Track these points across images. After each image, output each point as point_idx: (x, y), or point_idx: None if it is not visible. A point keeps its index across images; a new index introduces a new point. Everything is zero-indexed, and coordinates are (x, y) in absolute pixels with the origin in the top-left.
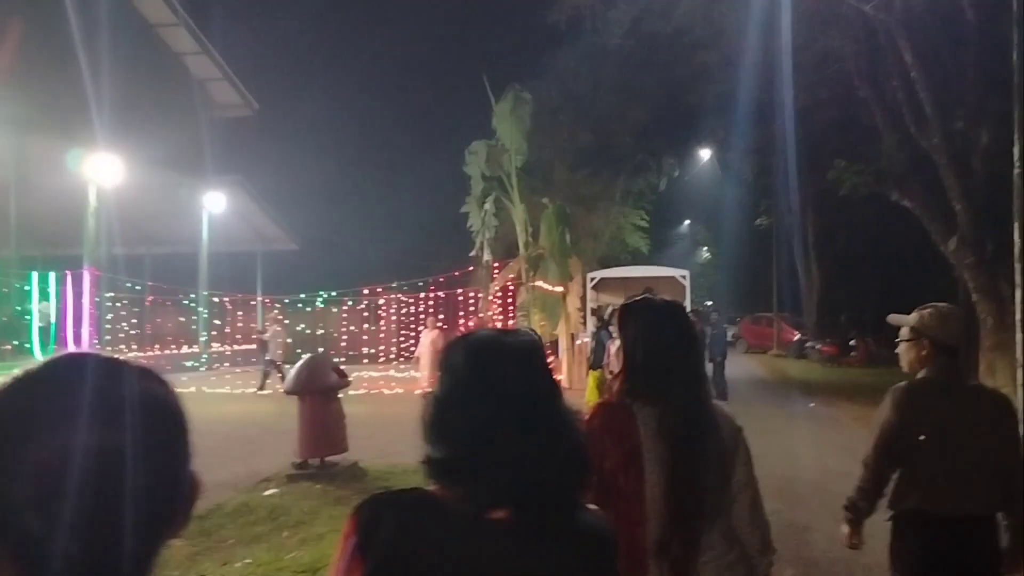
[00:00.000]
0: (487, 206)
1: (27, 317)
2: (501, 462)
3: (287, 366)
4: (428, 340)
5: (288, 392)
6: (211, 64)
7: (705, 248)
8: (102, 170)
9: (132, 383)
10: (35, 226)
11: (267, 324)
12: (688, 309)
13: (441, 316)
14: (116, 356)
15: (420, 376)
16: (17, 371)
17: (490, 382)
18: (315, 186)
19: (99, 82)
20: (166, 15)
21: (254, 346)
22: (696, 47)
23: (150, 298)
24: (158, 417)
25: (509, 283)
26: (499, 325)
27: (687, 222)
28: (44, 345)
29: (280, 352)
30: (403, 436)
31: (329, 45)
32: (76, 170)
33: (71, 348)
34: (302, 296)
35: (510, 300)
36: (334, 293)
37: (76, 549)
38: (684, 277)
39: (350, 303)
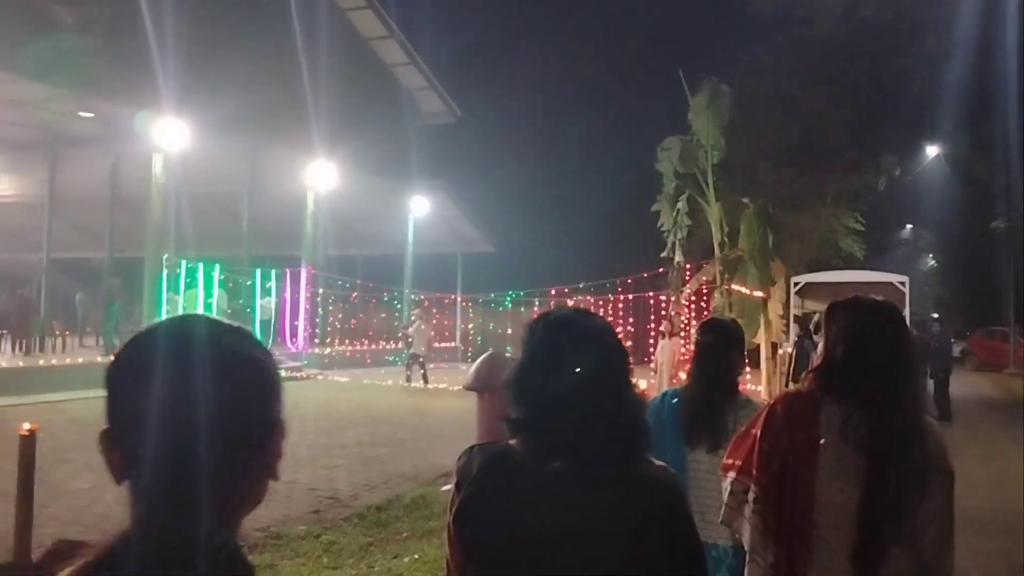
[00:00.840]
0: (680, 205)
1: (250, 311)
2: (561, 421)
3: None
4: (668, 348)
5: (468, 388)
6: (418, 74)
7: (930, 255)
8: (320, 177)
9: (226, 341)
10: (263, 228)
11: (412, 319)
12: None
13: (630, 320)
14: (219, 319)
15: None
16: (143, 328)
17: (559, 354)
18: (511, 189)
19: (318, 95)
20: (379, 29)
21: (450, 344)
22: (918, 32)
23: (354, 295)
24: (243, 368)
25: (703, 286)
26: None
27: (909, 226)
28: (265, 336)
29: (424, 348)
30: None
31: (524, 48)
32: (298, 177)
33: (288, 340)
34: (492, 296)
35: (704, 304)
36: (522, 293)
37: (165, 469)
38: (903, 284)
39: (538, 304)
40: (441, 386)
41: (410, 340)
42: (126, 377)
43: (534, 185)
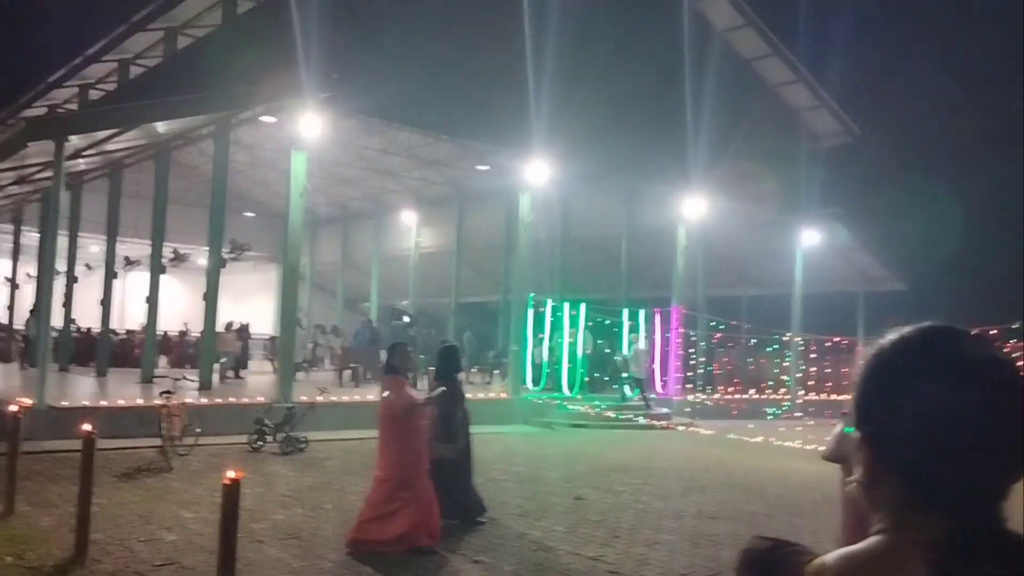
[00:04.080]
0: None
1: (610, 351)
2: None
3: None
4: None
5: (827, 458)
6: (807, 92)
7: None
8: (694, 210)
9: (979, 348)
10: (641, 270)
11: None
12: None
13: None
14: (962, 328)
15: None
16: (891, 335)
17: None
18: (923, 217)
19: (698, 124)
20: (761, 47)
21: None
22: None
23: (717, 336)
24: (1003, 377)
25: None
26: None
27: None
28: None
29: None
30: None
31: (925, 51)
32: (673, 213)
33: (656, 385)
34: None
35: None
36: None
37: (944, 475)
38: None
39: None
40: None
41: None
42: (891, 381)
43: (951, 211)
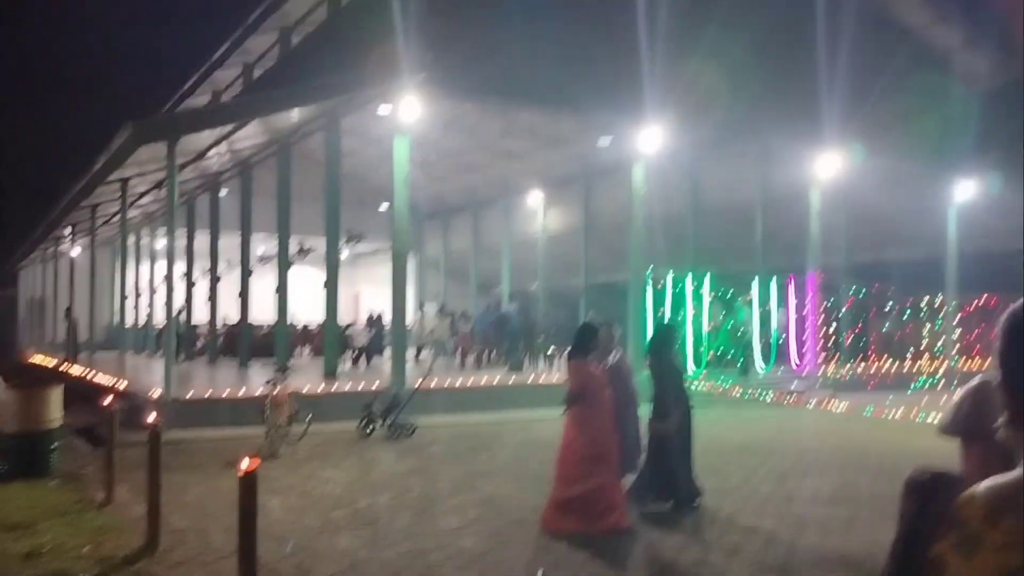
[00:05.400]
0: None
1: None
2: None
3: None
4: None
5: (945, 432)
6: (958, 29)
7: None
8: (826, 168)
9: None
10: (778, 236)
11: None
12: None
13: None
14: None
15: None
16: None
17: None
18: None
19: (834, 72)
20: None
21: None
22: None
23: (859, 303)
24: None
25: None
26: None
27: None
28: (765, 355)
29: None
30: None
31: None
32: (807, 173)
33: (793, 357)
34: None
35: None
36: None
37: None
38: None
39: None
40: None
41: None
42: None
43: None
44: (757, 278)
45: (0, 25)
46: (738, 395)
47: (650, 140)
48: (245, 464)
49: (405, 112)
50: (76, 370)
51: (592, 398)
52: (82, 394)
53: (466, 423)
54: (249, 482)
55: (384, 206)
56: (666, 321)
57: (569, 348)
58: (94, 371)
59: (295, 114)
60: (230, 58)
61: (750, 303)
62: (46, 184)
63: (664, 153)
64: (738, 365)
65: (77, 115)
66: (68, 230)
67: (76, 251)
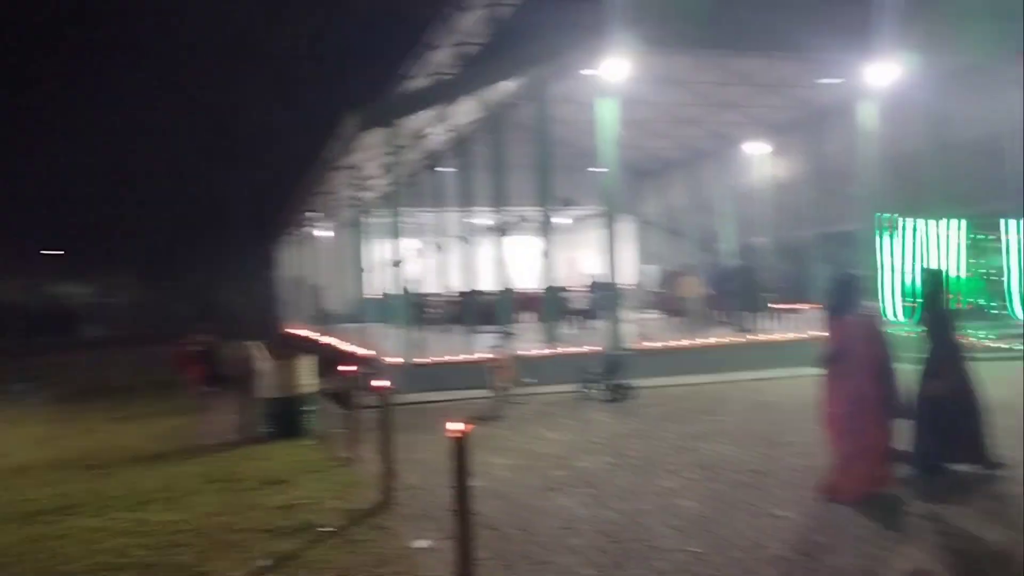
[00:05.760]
0: None
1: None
2: None
3: None
4: None
5: None
6: None
7: None
8: None
9: None
10: None
11: None
12: None
13: None
14: None
15: None
16: None
17: None
18: None
19: None
20: None
21: None
22: None
23: None
24: None
25: None
26: None
27: None
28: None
29: None
30: None
31: None
32: None
33: None
34: None
35: None
36: None
37: None
38: None
39: None
40: None
41: None
42: None
43: None
44: (1011, 221)
45: (228, 37)
46: (999, 347)
47: (882, 74)
48: (456, 426)
49: (611, 73)
50: (327, 340)
51: (852, 355)
52: (332, 361)
53: (689, 385)
54: (460, 443)
55: (595, 169)
56: (847, 273)
57: (828, 303)
58: (341, 340)
59: (505, 87)
60: (442, 39)
61: (1006, 246)
62: (293, 174)
63: (898, 87)
64: (994, 314)
65: (309, 109)
66: (313, 214)
67: (322, 232)
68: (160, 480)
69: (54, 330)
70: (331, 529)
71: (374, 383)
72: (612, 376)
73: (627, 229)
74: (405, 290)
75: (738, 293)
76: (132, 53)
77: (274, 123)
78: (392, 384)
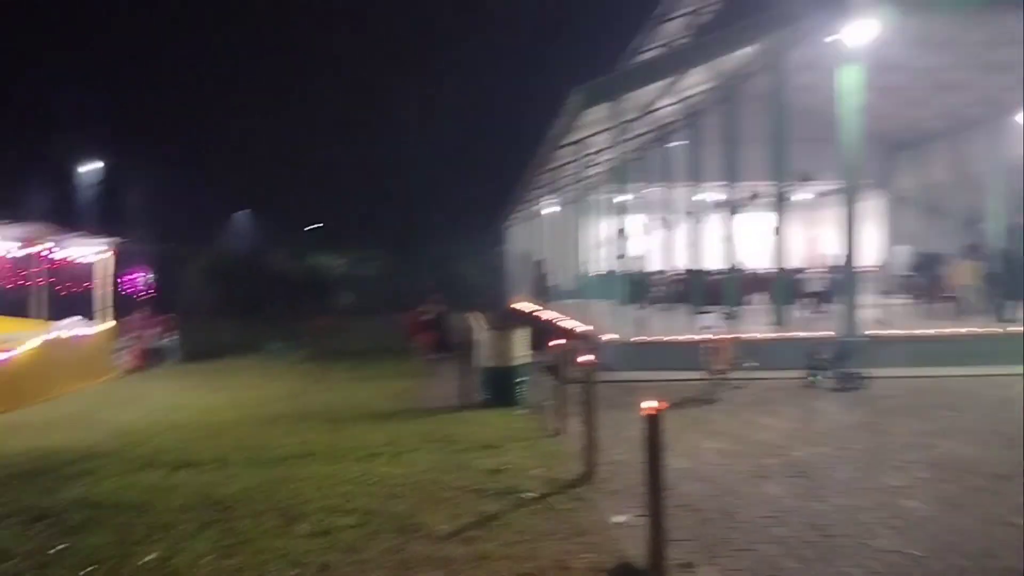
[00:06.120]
0: None
1: None
2: None
3: None
4: None
5: None
6: None
7: None
8: None
9: None
10: None
11: None
12: None
13: None
14: None
15: None
16: None
17: None
18: None
19: None
20: None
21: None
22: None
23: None
24: None
25: None
26: None
27: None
28: None
29: None
30: None
31: None
32: None
33: None
34: None
35: None
36: None
37: None
38: None
39: None
40: None
41: None
42: None
43: None
44: None
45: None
46: None
47: None
48: (650, 404)
49: (856, 36)
50: (548, 315)
51: None
52: (550, 335)
53: (931, 377)
54: (654, 421)
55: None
56: None
57: None
58: (562, 316)
59: (740, 55)
60: (674, 8)
61: None
62: (524, 153)
63: None
64: None
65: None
66: (540, 191)
67: (548, 209)
68: (386, 436)
69: (311, 297)
70: (534, 495)
71: (580, 358)
72: (842, 364)
73: (876, 206)
74: (628, 267)
75: (1003, 279)
76: (379, 52)
77: (506, 103)
78: (603, 361)
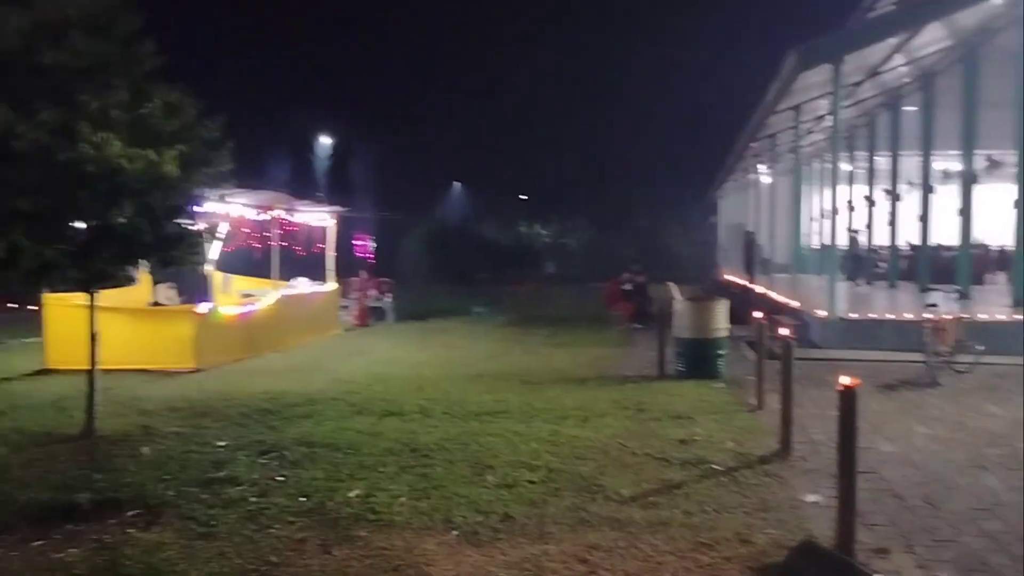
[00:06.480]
0: None
1: None
2: None
3: None
4: None
5: None
6: None
7: None
8: None
9: None
10: None
11: None
12: None
13: None
14: None
15: None
16: None
17: None
18: None
19: None
20: None
21: None
22: None
23: None
24: None
25: None
26: None
27: None
28: None
29: None
30: None
31: None
32: None
33: None
34: None
35: None
36: None
37: None
38: None
39: None
40: None
41: None
42: None
43: None
44: None
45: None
46: None
47: None
48: (846, 380)
49: None
50: (758, 288)
51: None
52: (756, 309)
53: None
54: (849, 398)
55: None
56: None
57: None
58: (772, 289)
59: (983, 8)
60: None
61: None
62: (737, 120)
63: None
64: None
65: (755, 50)
66: (753, 160)
67: (762, 178)
68: (578, 400)
69: (518, 264)
70: (721, 468)
71: (780, 332)
72: None
73: None
74: (850, 240)
75: None
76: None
77: (720, 68)
78: (813, 337)
